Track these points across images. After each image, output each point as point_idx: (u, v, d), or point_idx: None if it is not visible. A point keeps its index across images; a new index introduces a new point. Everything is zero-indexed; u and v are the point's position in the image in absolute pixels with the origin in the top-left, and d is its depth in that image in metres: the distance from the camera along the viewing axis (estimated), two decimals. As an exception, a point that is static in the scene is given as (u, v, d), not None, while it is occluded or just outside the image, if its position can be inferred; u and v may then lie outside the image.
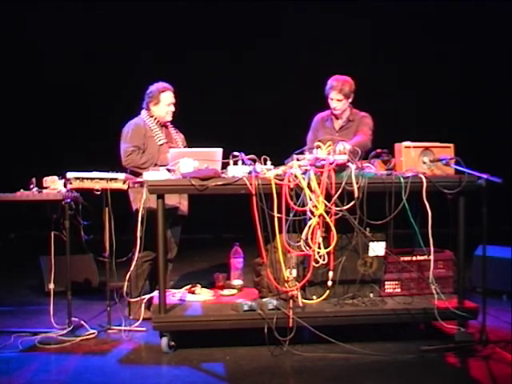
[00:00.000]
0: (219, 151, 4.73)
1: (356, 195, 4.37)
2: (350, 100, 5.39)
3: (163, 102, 5.38)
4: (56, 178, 4.88)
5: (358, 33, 9.52)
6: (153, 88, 5.43)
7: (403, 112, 9.36)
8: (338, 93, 5.32)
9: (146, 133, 5.35)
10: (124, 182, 4.72)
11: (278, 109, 9.51)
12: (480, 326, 4.38)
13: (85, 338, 4.73)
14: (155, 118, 5.40)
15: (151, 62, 9.26)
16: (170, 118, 5.45)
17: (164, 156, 5.18)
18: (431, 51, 9.71)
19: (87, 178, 4.68)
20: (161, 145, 5.34)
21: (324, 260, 4.41)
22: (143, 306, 4.82)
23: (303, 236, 4.36)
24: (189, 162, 4.49)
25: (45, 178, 4.90)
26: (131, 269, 4.79)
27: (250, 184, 4.32)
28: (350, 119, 5.44)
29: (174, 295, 4.92)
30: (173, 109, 5.43)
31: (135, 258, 4.65)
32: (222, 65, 9.65)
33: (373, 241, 4.62)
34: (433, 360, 4.22)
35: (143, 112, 5.45)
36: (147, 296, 4.92)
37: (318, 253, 4.38)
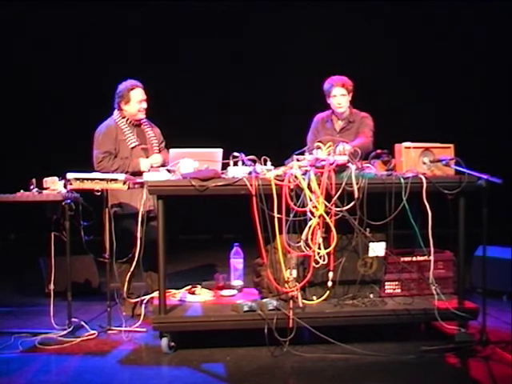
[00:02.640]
0: (219, 152, 4.73)
1: (356, 196, 4.37)
2: (350, 97, 5.39)
3: (134, 100, 5.33)
4: (56, 178, 4.88)
5: (358, 32, 9.52)
6: (122, 87, 5.38)
7: (403, 112, 9.36)
8: (341, 87, 5.32)
9: (118, 135, 5.32)
10: (124, 183, 4.72)
11: (278, 109, 9.52)
12: (480, 326, 4.38)
13: (85, 338, 4.73)
14: (127, 119, 5.38)
15: (151, 62, 9.25)
16: (142, 116, 5.39)
17: (136, 162, 5.21)
18: (431, 51, 9.71)
19: (87, 179, 4.68)
20: (133, 148, 5.33)
21: (324, 260, 4.41)
22: (143, 306, 4.84)
23: (303, 236, 4.36)
24: (189, 162, 4.49)
25: (45, 179, 4.90)
26: (131, 269, 4.82)
27: (250, 185, 4.32)
28: (351, 120, 5.43)
29: (174, 296, 4.92)
30: (145, 105, 5.36)
31: (135, 258, 4.66)
32: (222, 65, 9.65)
33: (373, 241, 4.62)
34: (433, 360, 4.22)
35: (115, 112, 5.42)
36: (148, 296, 4.92)
37: (318, 253, 4.38)
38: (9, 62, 9.30)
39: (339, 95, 5.32)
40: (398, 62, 9.64)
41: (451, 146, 4.66)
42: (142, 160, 5.23)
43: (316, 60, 8.93)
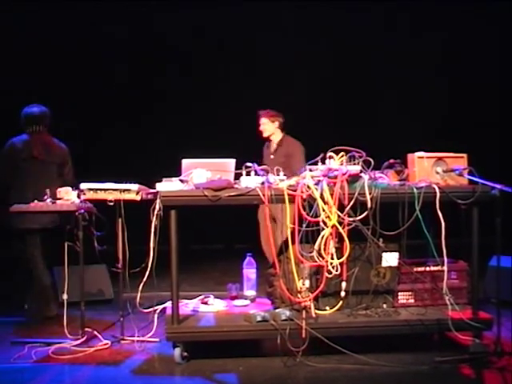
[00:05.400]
0: (232, 162, 4.74)
1: (369, 206, 4.36)
2: (275, 125, 6.28)
3: None
4: (70, 188, 4.91)
5: (361, 36, 9.51)
6: None
7: (416, 122, 9.35)
8: (261, 118, 6.34)
9: None
10: (137, 193, 4.73)
11: (290, 120, 9.53)
12: (495, 337, 4.35)
13: (98, 348, 4.74)
14: None
15: (162, 74, 9.30)
16: None
17: None
18: (442, 58, 9.71)
19: (101, 189, 4.70)
20: None
21: (337, 270, 4.40)
22: (155, 317, 4.85)
23: (316, 246, 4.36)
24: (202, 172, 4.50)
25: (58, 189, 4.93)
26: (144, 279, 4.81)
27: (263, 195, 4.33)
28: (280, 144, 6.34)
29: (187, 306, 4.93)
30: None
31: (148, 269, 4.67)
32: (235, 74, 9.68)
33: (386, 251, 4.61)
34: (447, 371, 4.20)
35: None
36: (160, 307, 4.93)
37: (331, 263, 4.38)
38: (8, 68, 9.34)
39: (261, 124, 6.34)
40: (409, 70, 9.62)
41: (464, 155, 4.65)
42: None
43: (317, 68, 8.88)
